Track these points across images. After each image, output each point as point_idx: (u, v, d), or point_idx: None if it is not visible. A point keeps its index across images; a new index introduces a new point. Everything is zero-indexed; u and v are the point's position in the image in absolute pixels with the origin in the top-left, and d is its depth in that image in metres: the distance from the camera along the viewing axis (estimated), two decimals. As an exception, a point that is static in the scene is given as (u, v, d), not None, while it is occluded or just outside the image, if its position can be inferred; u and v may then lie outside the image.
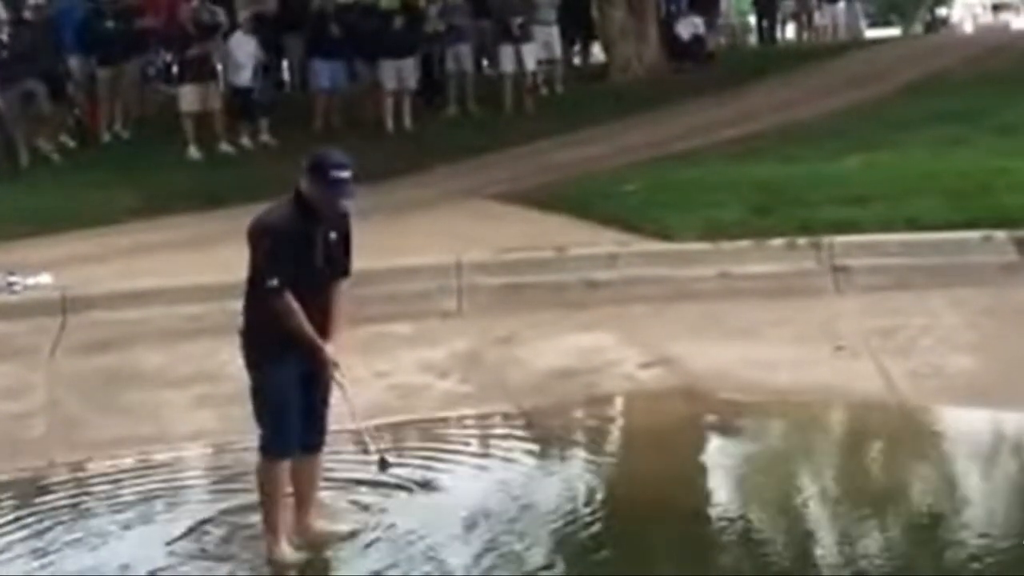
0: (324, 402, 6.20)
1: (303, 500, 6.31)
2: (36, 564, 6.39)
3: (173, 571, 6.15)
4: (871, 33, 32.51)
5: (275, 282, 5.88)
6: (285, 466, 6.14)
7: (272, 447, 6.11)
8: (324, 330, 6.03)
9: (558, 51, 20.36)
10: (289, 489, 6.21)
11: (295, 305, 5.92)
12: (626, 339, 9.10)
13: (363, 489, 6.78)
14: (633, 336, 9.13)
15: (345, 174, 5.92)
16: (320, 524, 6.37)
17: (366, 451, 6.40)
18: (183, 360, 9.07)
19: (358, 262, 6.21)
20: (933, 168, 11.75)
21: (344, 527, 6.43)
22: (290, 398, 6.05)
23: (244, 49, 16.82)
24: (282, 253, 5.90)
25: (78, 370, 9.21)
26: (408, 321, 9.65)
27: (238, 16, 17.80)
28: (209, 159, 16.34)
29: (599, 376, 8.62)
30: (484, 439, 7.93)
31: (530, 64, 19.03)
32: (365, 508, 6.64)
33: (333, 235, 6.04)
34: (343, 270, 6.13)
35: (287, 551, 6.14)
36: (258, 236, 5.97)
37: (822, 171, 12.07)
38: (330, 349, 6.04)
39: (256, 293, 6.03)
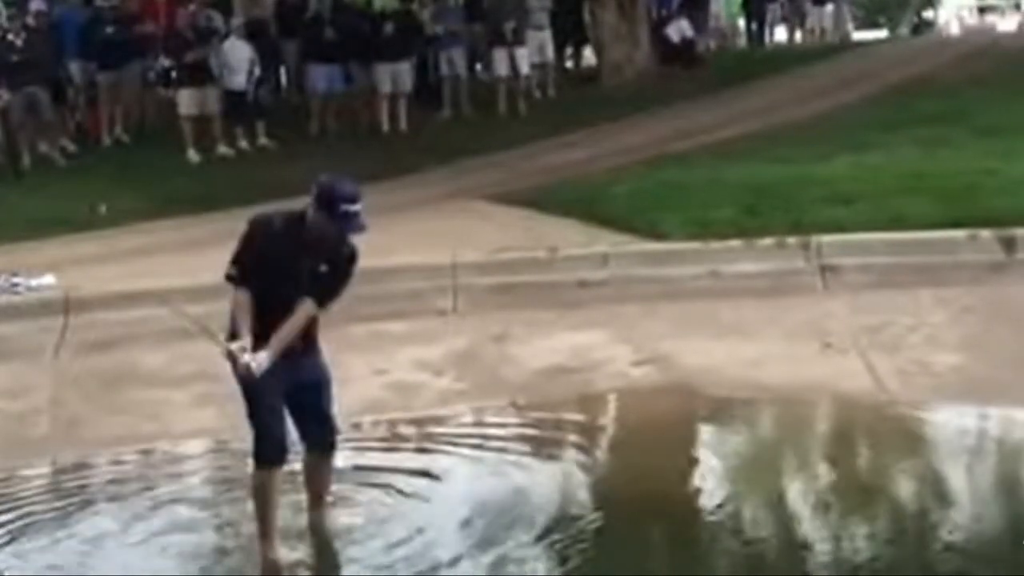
0: (328, 403, 6.24)
1: (316, 497, 6.42)
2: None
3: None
4: (858, 35, 32.52)
5: (233, 271, 5.91)
6: (276, 472, 6.15)
7: (262, 454, 6.13)
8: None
9: (550, 55, 20.42)
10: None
11: (245, 302, 5.87)
12: (618, 337, 9.16)
13: (360, 485, 6.89)
14: (625, 334, 9.19)
15: (355, 207, 5.81)
16: (331, 517, 6.49)
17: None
18: (183, 359, 9.04)
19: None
20: (921, 168, 11.78)
21: (355, 520, 6.53)
22: (275, 405, 6.05)
23: (238, 53, 16.90)
24: (255, 253, 5.87)
25: (81, 370, 9.29)
26: (404, 320, 9.72)
27: (235, 21, 17.91)
28: (208, 162, 16.41)
29: (592, 374, 8.69)
30: (479, 435, 7.96)
31: (523, 68, 19.09)
32: (362, 505, 6.71)
33: (324, 267, 5.96)
34: (321, 300, 6.02)
35: (280, 555, 6.19)
36: (246, 229, 5.98)
37: (811, 172, 12.08)
38: (244, 343, 5.86)
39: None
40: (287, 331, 5.93)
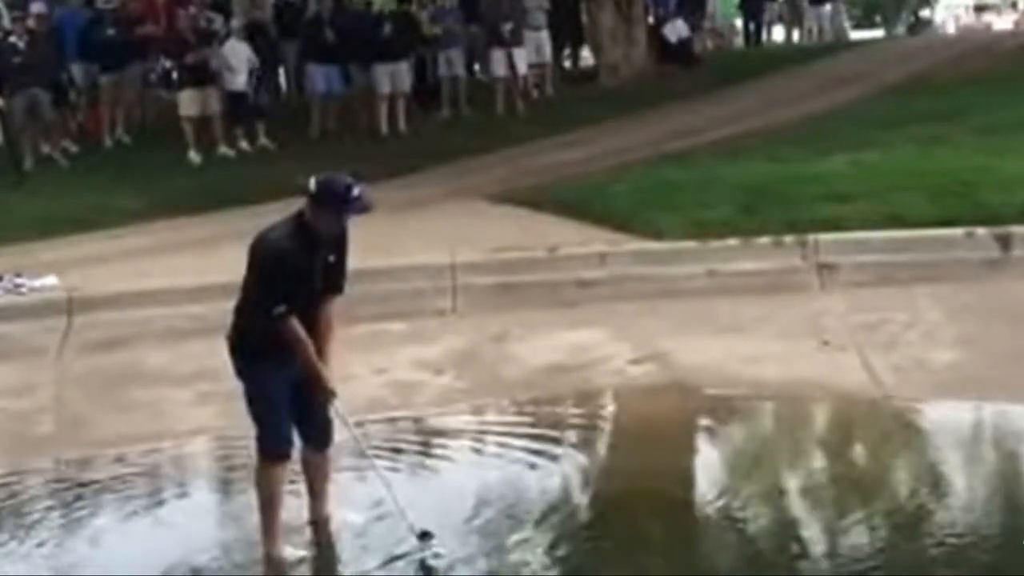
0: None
1: (316, 491, 6.47)
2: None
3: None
4: (855, 35, 32.59)
5: (282, 308, 5.95)
6: (280, 467, 6.23)
7: (265, 449, 6.22)
8: (316, 347, 6.10)
9: (548, 55, 20.47)
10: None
11: (301, 331, 6.00)
12: (617, 336, 9.20)
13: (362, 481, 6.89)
14: (624, 333, 9.23)
15: (358, 190, 5.96)
16: (333, 513, 6.52)
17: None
18: (185, 359, 9.16)
19: (355, 262, 6.27)
20: (917, 167, 11.77)
21: (354, 516, 6.56)
22: (277, 401, 6.14)
23: (238, 55, 16.96)
24: (286, 280, 5.95)
25: (84, 369, 9.35)
26: (404, 319, 9.77)
27: (235, 22, 17.96)
28: (209, 162, 16.44)
29: (591, 372, 8.72)
30: (479, 432, 8.02)
31: (521, 68, 19.12)
32: (365, 501, 6.68)
33: (332, 257, 6.10)
34: (336, 287, 6.19)
35: (283, 550, 6.25)
36: (263, 260, 6.02)
37: (808, 170, 12.07)
38: (326, 373, 6.12)
39: (248, 303, 6.13)
40: (331, 341, 6.18)
